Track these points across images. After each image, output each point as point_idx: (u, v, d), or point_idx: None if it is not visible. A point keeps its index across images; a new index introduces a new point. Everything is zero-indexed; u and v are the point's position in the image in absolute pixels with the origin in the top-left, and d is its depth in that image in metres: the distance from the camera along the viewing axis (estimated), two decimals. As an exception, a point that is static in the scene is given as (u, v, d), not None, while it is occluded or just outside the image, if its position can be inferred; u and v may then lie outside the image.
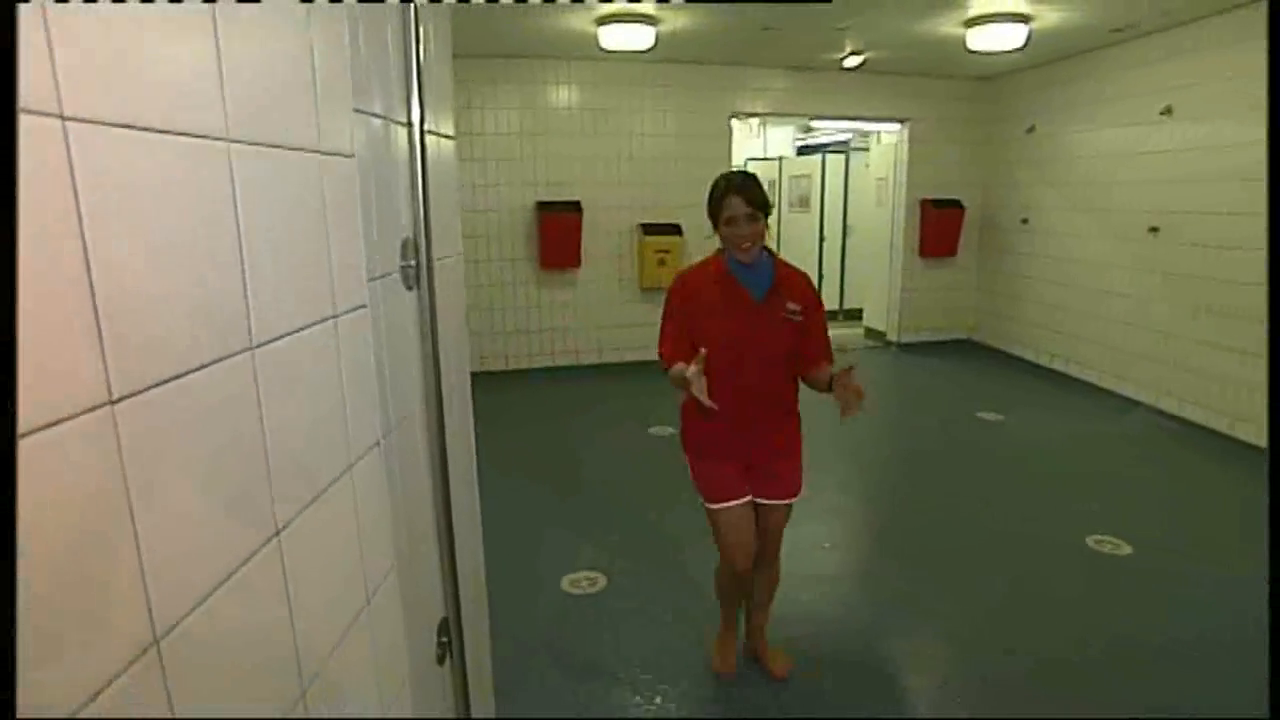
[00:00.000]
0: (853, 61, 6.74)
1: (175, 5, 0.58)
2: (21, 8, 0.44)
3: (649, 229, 7.05)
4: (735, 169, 2.71)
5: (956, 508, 4.29)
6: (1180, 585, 3.43)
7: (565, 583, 3.41)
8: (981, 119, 7.87)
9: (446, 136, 1.45)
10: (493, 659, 1.96)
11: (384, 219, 1.10)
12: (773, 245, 2.48)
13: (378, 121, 1.07)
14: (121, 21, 0.52)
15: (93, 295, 0.48)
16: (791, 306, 2.39)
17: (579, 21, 5.31)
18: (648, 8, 5.06)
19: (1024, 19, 5.28)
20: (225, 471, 0.64)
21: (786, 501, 2.59)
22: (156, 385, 0.54)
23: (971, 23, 5.38)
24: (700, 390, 2.15)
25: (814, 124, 10.46)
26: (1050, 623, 3.13)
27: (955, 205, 7.95)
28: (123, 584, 0.51)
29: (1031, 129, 7.26)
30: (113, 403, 0.50)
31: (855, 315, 9.42)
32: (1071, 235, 6.80)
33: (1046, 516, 4.14)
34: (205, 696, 0.61)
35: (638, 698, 2.65)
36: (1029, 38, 5.45)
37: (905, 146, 7.92)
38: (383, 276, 1.09)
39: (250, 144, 0.67)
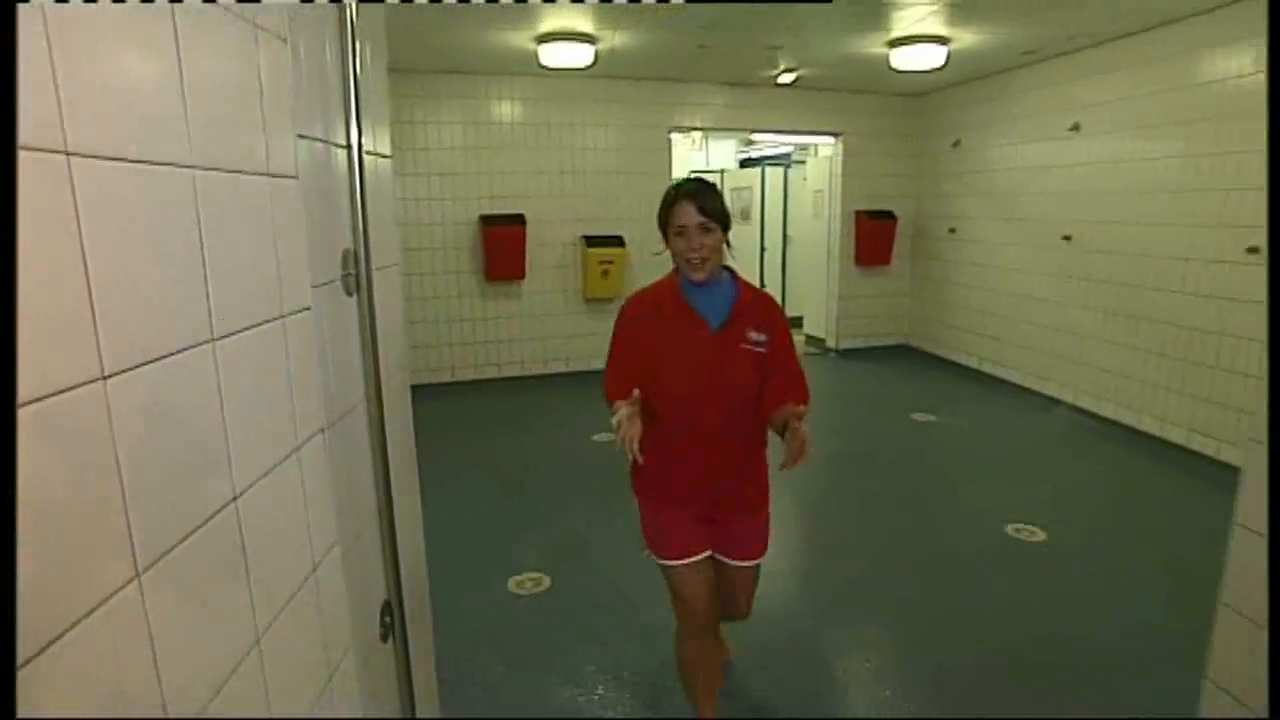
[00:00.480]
0: (787, 78, 7.01)
1: (145, 48, 0.69)
2: (29, 47, 0.55)
3: (592, 241, 7.19)
4: (690, 175, 2.25)
5: (888, 503, 4.51)
6: (1085, 567, 3.68)
7: (511, 584, 3.51)
8: (911, 133, 8.22)
9: (384, 156, 1.57)
10: (440, 655, 2.05)
11: (326, 232, 1.21)
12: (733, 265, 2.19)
13: (319, 145, 1.19)
14: (106, 65, 0.63)
15: (90, 294, 0.59)
16: (754, 336, 2.06)
17: (519, 39, 5.44)
18: (587, 26, 5.22)
19: (943, 40, 5.58)
20: (192, 442, 0.75)
21: (752, 563, 2.29)
22: (141, 365, 0.65)
23: (894, 43, 5.67)
24: (629, 439, 1.81)
25: (755, 137, 10.76)
26: (968, 604, 3.35)
27: (888, 216, 8.27)
28: (111, 526, 0.62)
29: (957, 143, 7.62)
30: (105, 378, 0.61)
31: (796, 323, 9.68)
32: (995, 244, 7.15)
33: (970, 508, 4.39)
34: (177, 623, 0.71)
35: (579, 692, 2.76)
36: (948, 58, 5.76)
37: (839, 160, 8.22)
38: (326, 284, 1.20)
39: (209, 169, 0.79)
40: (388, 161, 1.61)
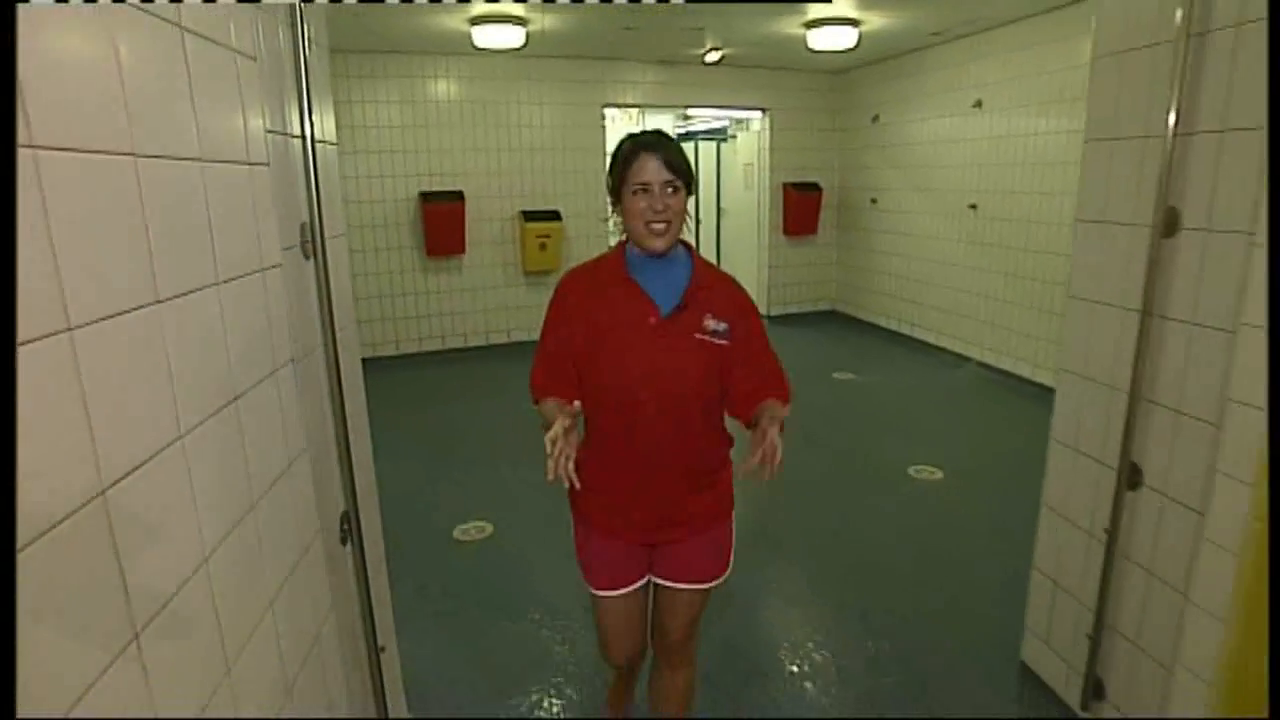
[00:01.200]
0: (713, 56, 7.34)
1: (168, 80, 0.98)
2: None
3: (529, 215, 7.45)
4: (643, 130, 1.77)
5: (805, 453, 4.93)
6: (972, 496, 4.17)
7: (456, 532, 3.83)
8: (834, 109, 8.63)
9: (330, 143, 1.86)
10: (393, 596, 2.35)
11: (289, 207, 1.51)
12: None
13: (279, 137, 1.48)
14: (155, 90, 0.92)
15: (149, 240, 0.90)
16: (711, 325, 1.71)
17: (453, 21, 5.64)
18: (517, 9, 5.46)
19: (854, 23, 5.96)
20: (210, 348, 1.06)
21: (701, 586, 1.89)
22: (185, 294, 0.97)
23: (810, 24, 6.03)
24: (562, 459, 1.46)
25: (692, 112, 11.04)
26: (871, 534, 3.79)
27: (814, 188, 8.69)
28: (160, 397, 0.92)
29: (876, 118, 8.05)
30: (159, 302, 0.91)
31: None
32: (911, 213, 7.63)
33: (879, 453, 4.86)
34: (204, 475, 1.03)
35: (521, 624, 3.09)
36: (859, 39, 6.15)
37: (767, 134, 8.60)
38: (290, 248, 1.50)
39: (212, 161, 1.08)
40: (334, 147, 1.89)
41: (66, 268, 0.76)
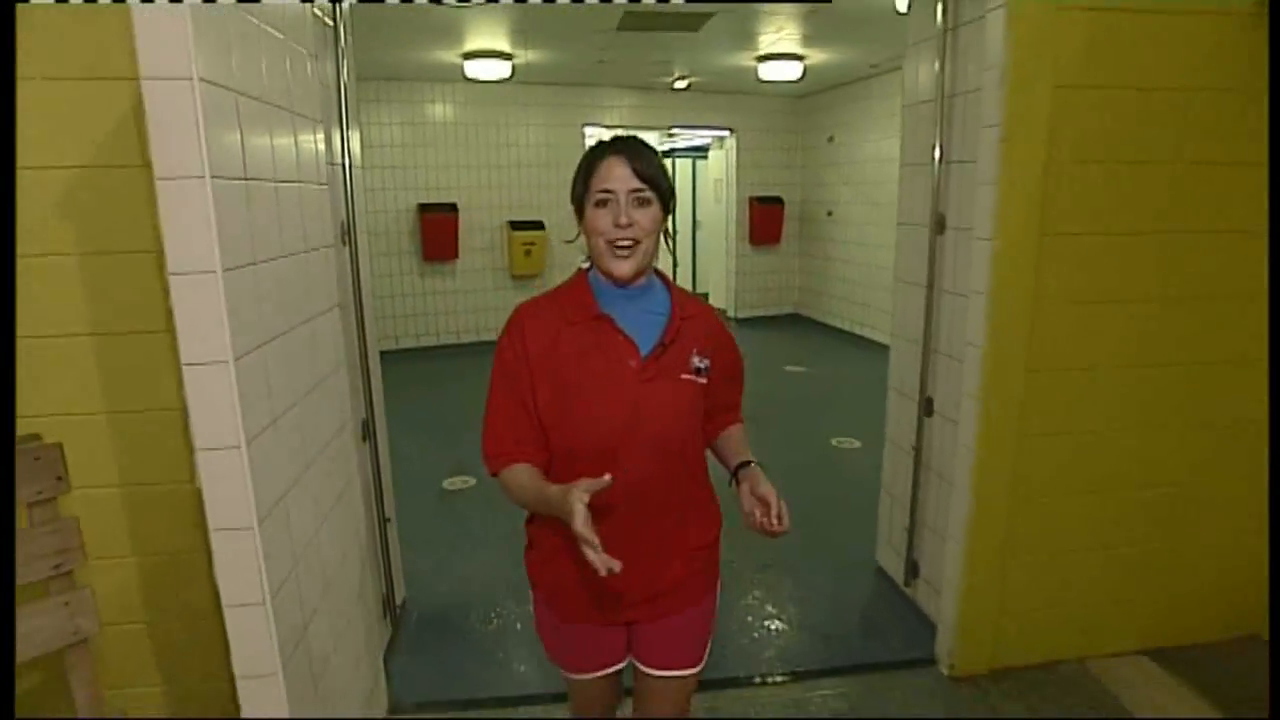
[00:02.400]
0: (681, 84, 8.21)
1: (284, 132, 1.78)
2: None
3: (516, 225, 8.29)
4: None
5: (753, 429, 5.74)
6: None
7: (444, 484, 4.64)
8: (795, 129, 9.51)
9: (359, 167, 2.69)
10: (400, 536, 3.13)
11: (334, 210, 2.33)
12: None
13: (333, 166, 2.31)
14: (282, 141, 1.72)
15: (281, 227, 1.71)
16: (697, 362, 1.50)
17: (447, 55, 6.49)
18: (504, 46, 6.30)
19: (799, 58, 6.83)
20: (305, 292, 1.87)
21: (685, 673, 1.64)
22: (291, 254, 1.78)
23: (760, 59, 6.89)
24: (592, 546, 1.21)
25: (675, 130, 11.90)
26: (806, 497, 4.57)
27: (777, 201, 9.55)
28: (267, 325, 1.73)
29: (831, 139, 8.92)
30: (286, 256, 1.72)
31: (704, 297, 10.94)
32: (862, 224, 8.47)
33: (811, 429, 5.67)
34: (298, 363, 1.83)
35: (494, 551, 3.87)
36: (804, 71, 7.02)
37: (734, 152, 9.48)
38: (339, 236, 2.33)
39: (308, 183, 1.90)
40: (361, 170, 2.72)
41: (254, 235, 1.57)
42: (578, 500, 1.22)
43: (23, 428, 1.83)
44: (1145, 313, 2.51)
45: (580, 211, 1.45)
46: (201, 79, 1.31)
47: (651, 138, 13.24)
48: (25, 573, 1.65)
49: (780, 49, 6.59)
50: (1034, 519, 2.63)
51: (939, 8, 2.59)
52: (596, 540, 1.21)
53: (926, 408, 2.88)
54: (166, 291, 1.47)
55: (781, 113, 9.41)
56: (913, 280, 2.94)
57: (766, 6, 5.20)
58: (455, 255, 8.16)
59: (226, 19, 1.46)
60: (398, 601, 3.02)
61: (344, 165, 2.39)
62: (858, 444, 5.30)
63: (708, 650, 1.69)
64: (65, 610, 1.70)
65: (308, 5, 2.03)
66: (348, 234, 2.44)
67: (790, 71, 6.92)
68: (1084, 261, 2.43)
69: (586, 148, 1.53)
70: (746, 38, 6.21)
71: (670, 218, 1.50)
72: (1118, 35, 2.28)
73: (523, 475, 1.45)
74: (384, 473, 2.75)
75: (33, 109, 1.77)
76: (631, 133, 1.54)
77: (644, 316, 1.48)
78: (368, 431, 2.58)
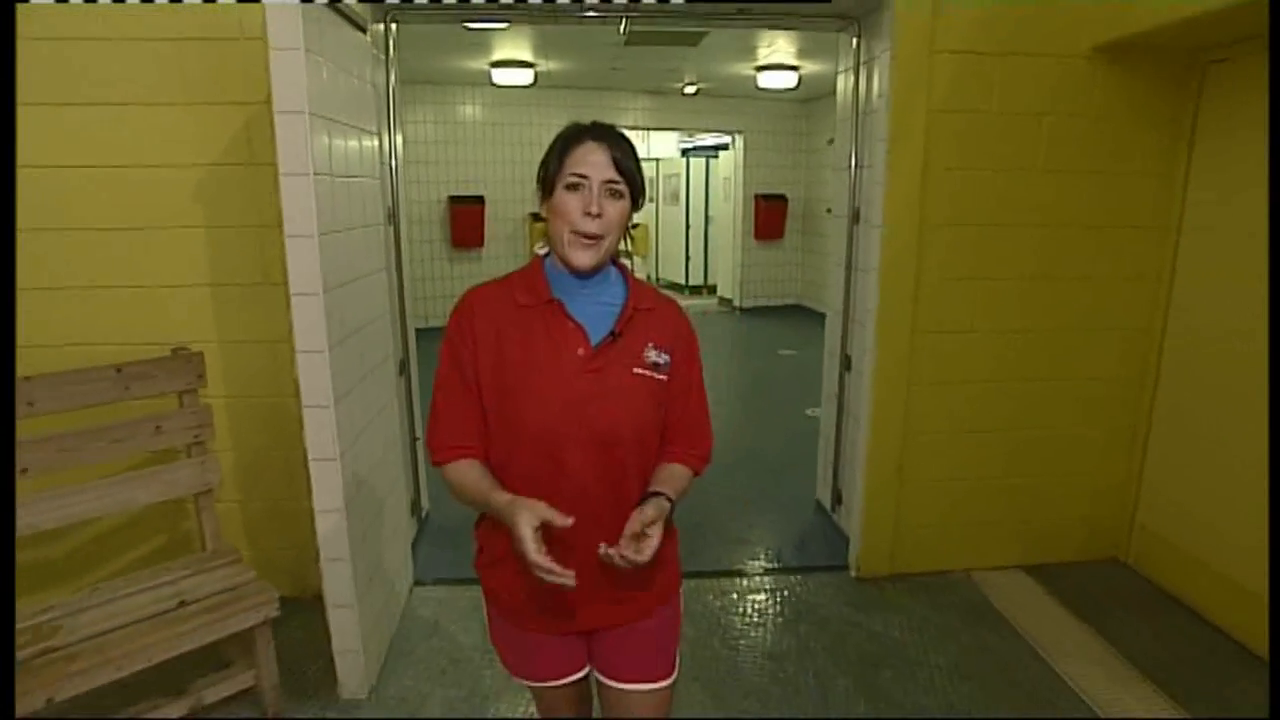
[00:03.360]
0: (690, 89, 8.93)
1: (355, 139, 2.53)
2: None
3: (537, 217, 8.98)
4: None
5: (736, 404, 6.46)
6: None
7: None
8: (798, 132, 10.18)
9: (400, 162, 3.45)
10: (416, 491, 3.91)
11: (382, 197, 3.10)
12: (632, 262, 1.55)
13: (381, 165, 3.07)
14: (343, 144, 2.46)
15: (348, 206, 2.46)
16: (653, 356, 1.43)
17: (476, 64, 7.27)
18: (527, 55, 7.07)
19: (794, 68, 7.51)
20: (365, 254, 2.62)
21: (654, 686, 1.55)
22: (353, 229, 2.54)
23: (759, 68, 7.59)
24: (543, 565, 1.21)
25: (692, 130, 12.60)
26: (772, 452, 5.32)
27: (780, 198, 10.23)
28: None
29: (830, 141, 9.52)
30: (350, 230, 2.48)
31: (714, 289, 11.65)
32: (855, 221, 9.10)
33: (792, 402, 6.37)
34: (355, 304, 2.60)
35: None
36: (799, 80, 7.70)
37: (741, 153, 10.16)
38: (385, 219, 3.10)
39: (367, 179, 2.65)
40: (401, 164, 3.49)
41: (335, 213, 2.33)
42: (526, 525, 1.21)
43: (155, 354, 2.62)
44: (1008, 289, 3.20)
45: (548, 191, 1.37)
46: (310, 113, 2.07)
47: (672, 137, 14.01)
48: (175, 440, 2.45)
49: (776, 60, 7.28)
50: (923, 453, 3.33)
51: (854, 43, 3.30)
52: (554, 566, 1.21)
53: (846, 364, 3.59)
54: (264, 253, 2.23)
55: (785, 117, 10.08)
56: (838, 262, 3.65)
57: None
58: (481, 243, 8.96)
59: (323, 67, 2.22)
60: (423, 508, 3.80)
61: (390, 163, 3.16)
62: (829, 414, 5.99)
63: (677, 659, 1.60)
64: (200, 467, 2.49)
65: (365, 35, 2.79)
66: (392, 217, 3.21)
67: (786, 81, 7.61)
68: (956, 246, 3.13)
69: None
70: (745, 50, 6.91)
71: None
72: (979, 71, 2.98)
73: (469, 473, 1.41)
74: (415, 403, 3.53)
75: (178, 125, 2.59)
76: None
77: (597, 306, 1.41)
78: (403, 368, 3.36)
